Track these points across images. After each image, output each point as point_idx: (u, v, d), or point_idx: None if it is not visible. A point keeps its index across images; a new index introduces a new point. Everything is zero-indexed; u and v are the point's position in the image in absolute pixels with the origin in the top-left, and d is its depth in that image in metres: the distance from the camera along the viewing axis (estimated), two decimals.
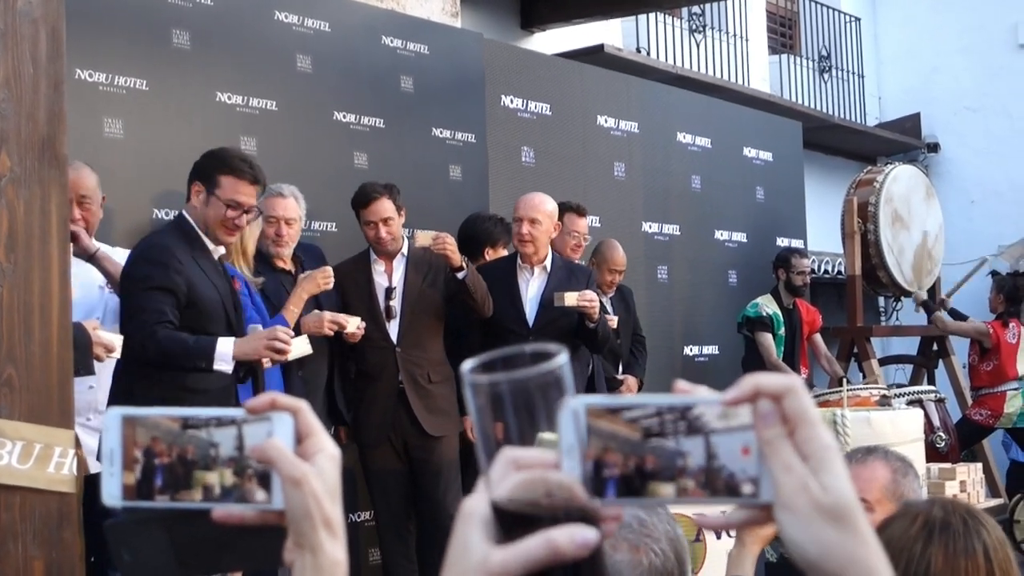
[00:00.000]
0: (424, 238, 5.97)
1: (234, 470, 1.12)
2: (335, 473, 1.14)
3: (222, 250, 4.99)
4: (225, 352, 4.65)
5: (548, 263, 6.61)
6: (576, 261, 7.14)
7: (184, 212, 4.92)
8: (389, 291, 6.18)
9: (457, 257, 6.02)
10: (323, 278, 5.69)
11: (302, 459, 1.12)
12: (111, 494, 1.13)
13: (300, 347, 4.75)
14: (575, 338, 6.43)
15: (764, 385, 0.98)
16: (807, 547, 0.96)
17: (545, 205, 6.59)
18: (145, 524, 1.26)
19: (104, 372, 4.96)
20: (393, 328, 6.17)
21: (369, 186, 6.19)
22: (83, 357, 3.98)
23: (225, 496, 1.11)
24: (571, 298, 6.26)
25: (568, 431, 0.98)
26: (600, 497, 0.98)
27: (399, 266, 6.24)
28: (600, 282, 7.69)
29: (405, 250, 6.25)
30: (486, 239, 6.90)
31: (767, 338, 9.01)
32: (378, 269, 6.24)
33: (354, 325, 5.77)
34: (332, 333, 5.73)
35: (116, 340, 4.35)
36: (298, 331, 5.46)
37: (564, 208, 7.13)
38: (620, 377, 7.75)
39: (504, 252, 6.92)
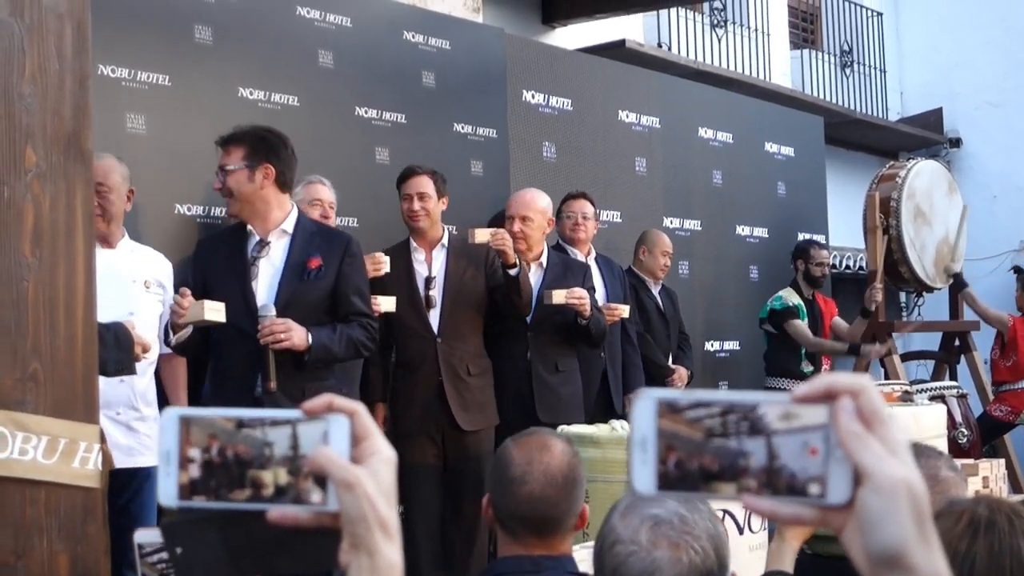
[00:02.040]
0: (482, 235, 5.98)
1: (288, 469, 1.12)
2: (390, 475, 1.14)
3: (281, 229, 4.98)
4: (168, 325, 4.80)
5: (544, 259, 6.61)
6: (580, 242, 7.08)
7: None
8: (429, 280, 6.18)
9: (513, 254, 6.05)
10: (373, 265, 5.70)
11: (357, 461, 1.13)
12: (167, 494, 1.13)
13: (195, 312, 4.61)
14: (572, 334, 6.46)
15: (838, 384, 0.99)
16: (891, 535, 0.98)
17: (536, 202, 6.59)
18: (199, 524, 1.27)
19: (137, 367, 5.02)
20: (434, 318, 6.16)
21: (413, 164, 6.27)
22: (127, 356, 4.02)
23: (280, 495, 1.12)
24: (559, 296, 6.23)
25: (641, 424, 0.98)
26: (666, 490, 0.98)
27: (439, 255, 6.24)
28: (654, 268, 7.86)
29: (445, 240, 6.25)
30: None
31: (799, 325, 8.97)
32: (418, 258, 6.23)
33: (389, 305, 5.77)
34: None
35: (151, 340, 4.39)
36: None
37: (565, 197, 7.23)
38: (673, 366, 7.81)
39: None
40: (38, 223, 3.06)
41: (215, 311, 4.63)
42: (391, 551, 1.13)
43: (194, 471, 1.12)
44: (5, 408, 2.99)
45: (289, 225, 4.97)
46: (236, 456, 1.12)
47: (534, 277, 6.55)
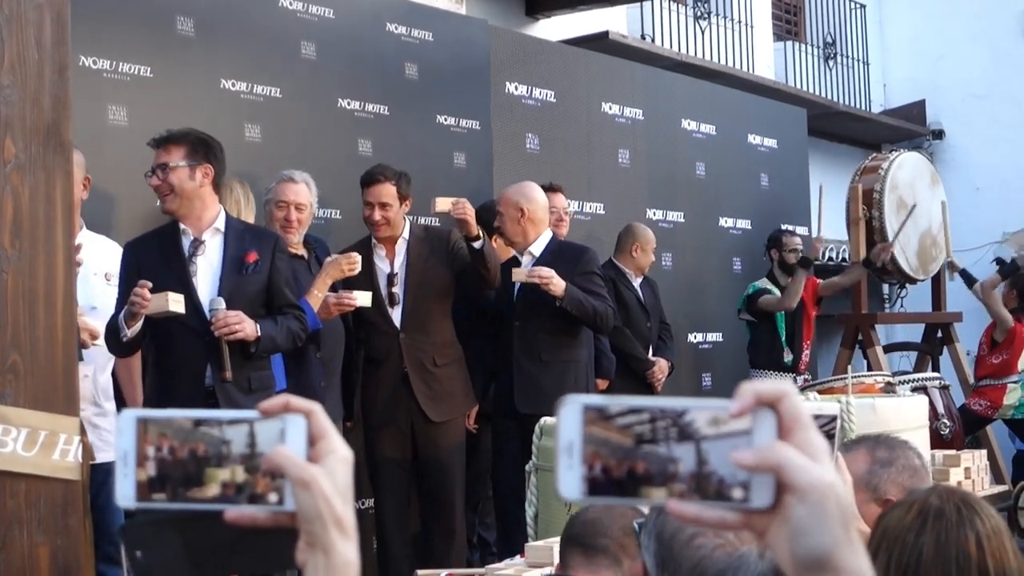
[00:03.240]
0: (443, 203, 5.98)
1: (246, 467, 1.12)
2: (346, 474, 1.15)
3: (215, 228, 5.04)
4: (123, 319, 4.79)
5: (537, 248, 6.51)
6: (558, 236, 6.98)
7: None
8: (391, 277, 6.17)
9: (474, 224, 6.01)
10: (348, 264, 5.70)
11: (314, 461, 1.14)
12: (124, 495, 1.14)
13: (159, 303, 4.69)
14: (560, 320, 6.35)
15: (762, 392, 1.02)
16: (819, 540, 1.01)
17: (505, 194, 6.58)
18: (159, 525, 1.27)
19: (99, 362, 4.98)
20: (396, 314, 6.16)
21: (378, 168, 6.19)
22: None
23: (238, 493, 1.12)
24: (519, 274, 6.20)
25: (566, 429, 0.99)
26: (594, 496, 0.99)
27: (400, 251, 6.21)
28: (645, 265, 7.97)
29: (406, 233, 6.23)
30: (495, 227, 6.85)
31: (768, 298, 9.04)
32: (379, 254, 6.22)
33: (365, 300, 5.76)
34: (339, 313, 5.76)
35: (100, 327, 4.39)
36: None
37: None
38: (652, 359, 7.80)
39: None
40: (17, 214, 3.06)
41: (177, 303, 4.74)
42: (347, 549, 1.14)
43: (151, 470, 1.13)
44: None
45: (220, 224, 5.09)
46: (193, 454, 1.12)
47: (524, 267, 6.44)
